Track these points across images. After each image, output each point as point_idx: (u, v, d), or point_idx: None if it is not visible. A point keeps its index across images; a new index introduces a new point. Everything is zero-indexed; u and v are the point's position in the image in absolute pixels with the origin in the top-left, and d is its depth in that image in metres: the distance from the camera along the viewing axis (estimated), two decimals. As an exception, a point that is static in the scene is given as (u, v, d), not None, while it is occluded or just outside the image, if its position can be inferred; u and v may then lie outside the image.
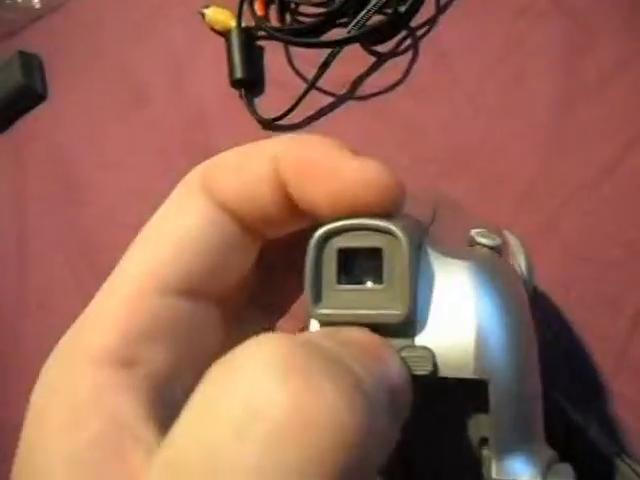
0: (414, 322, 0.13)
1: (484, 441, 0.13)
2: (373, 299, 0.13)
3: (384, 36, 0.35)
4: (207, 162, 0.16)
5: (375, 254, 0.13)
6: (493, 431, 0.13)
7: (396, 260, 0.13)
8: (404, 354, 0.13)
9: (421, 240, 0.14)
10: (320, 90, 0.37)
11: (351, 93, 0.36)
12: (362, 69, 0.36)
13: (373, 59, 0.35)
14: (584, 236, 0.28)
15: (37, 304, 0.40)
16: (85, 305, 0.42)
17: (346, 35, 0.33)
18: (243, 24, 0.40)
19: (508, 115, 0.32)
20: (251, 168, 0.15)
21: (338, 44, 0.34)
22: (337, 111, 0.36)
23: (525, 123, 0.32)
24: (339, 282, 0.13)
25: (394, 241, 0.13)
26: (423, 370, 0.13)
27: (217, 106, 0.40)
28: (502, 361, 0.13)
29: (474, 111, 0.32)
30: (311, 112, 0.37)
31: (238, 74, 0.39)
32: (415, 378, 0.13)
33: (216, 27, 0.41)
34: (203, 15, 0.41)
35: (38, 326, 0.40)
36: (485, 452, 0.13)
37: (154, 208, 0.43)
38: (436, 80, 0.34)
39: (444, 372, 0.13)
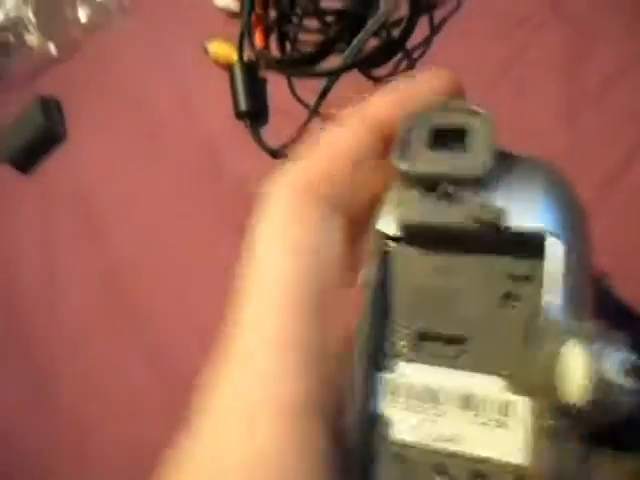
0: (491, 184, 0.14)
1: (535, 314, 0.14)
2: (456, 161, 0.15)
3: (380, 60, 0.35)
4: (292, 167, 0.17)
5: (459, 130, 0.15)
6: (549, 291, 0.14)
7: (479, 134, 0.15)
8: (480, 209, 0.14)
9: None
10: (322, 117, 0.37)
11: (352, 118, 0.36)
12: (361, 95, 0.36)
13: (371, 84, 0.36)
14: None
15: (69, 340, 0.42)
16: (116, 338, 0.44)
17: (341, 64, 0.34)
18: (246, 56, 0.41)
19: (512, 128, 0.32)
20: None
21: (335, 73, 0.35)
22: (340, 136, 0.37)
23: (529, 135, 0.32)
24: (428, 149, 0.15)
25: (477, 119, 0.15)
26: (494, 217, 0.14)
27: (227, 137, 0.42)
28: (565, 225, 0.14)
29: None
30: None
31: (242, 106, 0.40)
32: (481, 238, 0.14)
33: (220, 61, 0.42)
34: (206, 50, 0.42)
35: (72, 361, 0.42)
36: (541, 320, 0.14)
37: (175, 240, 0.44)
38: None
39: (514, 224, 0.14)
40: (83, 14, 0.49)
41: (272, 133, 0.40)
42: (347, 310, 0.15)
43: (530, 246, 0.14)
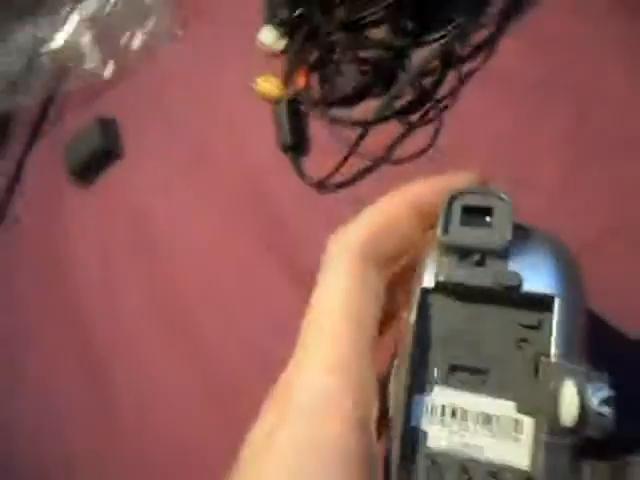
0: (510, 253, 0.19)
1: (541, 354, 0.19)
2: (483, 235, 0.19)
3: (412, 109, 0.40)
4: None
5: (486, 210, 0.20)
6: (553, 340, 0.18)
7: (501, 214, 0.19)
8: (502, 274, 0.19)
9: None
10: (359, 154, 0.42)
11: (386, 158, 0.41)
12: (394, 136, 0.41)
13: (403, 127, 0.40)
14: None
15: (127, 345, 0.48)
16: (168, 343, 0.49)
17: (377, 116, 0.38)
18: (289, 93, 0.45)
19: (518, 183, 0.36)
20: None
21: (370, 124, 0.39)
22: (374, 173, 0.41)
23: (536, 194, 0.35)
24: (461, 224, 0.20)
25: (500, 201, 0.20)
26: (513, 282, 0.19)
27: (269, 166, 0.46)
28: (566, 288, 0.19)
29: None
30: (352, 173, 0.42)
31: (285, 140, 0.44)
32: (502, 295, 0.19)
33: (264, 94, 0.47)
34: (254, 85, 0.47)
35: (129, 365, 0.47)
36: (545, 360, 0.18)
37: (218, 258, 0.49)
38: (456, 148, 0.38)
39: (528, 288, 0.19)
40: (137, 41, 0.54)
41: (313, 165, 0.44)
42: (379, 345, 0.20)
43: (539, 303, 0.19)
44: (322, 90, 0.44)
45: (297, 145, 0.45)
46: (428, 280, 0.20)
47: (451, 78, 0.39)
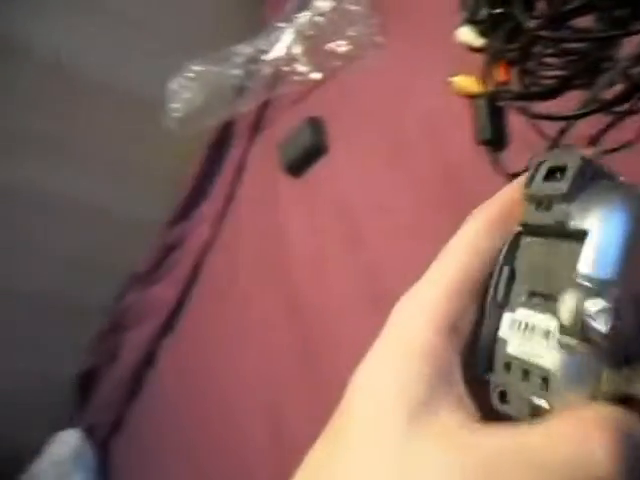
0: (571, 199, 0.23)
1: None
2: (552, 187, 0.23)
3: (619, 99, 0.39)
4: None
5: (563, 167, 0.24)
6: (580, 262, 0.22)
7: (570, 170, 0.23)
8: (563, 215, 0.23)
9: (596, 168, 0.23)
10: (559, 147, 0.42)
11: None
12: (598, 128, 0.40)
13: (609, 119, 0.40)
14: None
15: (332, 322, 0.54)
16: (370, 329, 0.53)
17: (580, 111, 0.39)
18: (488, 87, 0.47)
19: None
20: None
21: (576, 117, 0.39)
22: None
23: None
24: (544, 180, 0.24)
25: (572, 160, 0.23)
26: (562, 220, 0.23)
27: (468, 160, 0.48)
28: (608, 226, 0.21)
29: None
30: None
31: (483, 135, 0.46)
32: (567, 233, 0.23)
33: (463, 92, 0.49)
34: (451, 83, 0.49)
35: (334, 336, 0.53)
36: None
37: (422, 245, 0.53)
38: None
39: (574, 224, 0.22)
40: (343, 47, 0.59)
41: (510, 158, 0.46)
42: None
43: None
44: (522, 84, 0.45)
45: (496, 139, 0.46)
46: (517, 226, 0.25)
47: (664, 66, 0.38)
